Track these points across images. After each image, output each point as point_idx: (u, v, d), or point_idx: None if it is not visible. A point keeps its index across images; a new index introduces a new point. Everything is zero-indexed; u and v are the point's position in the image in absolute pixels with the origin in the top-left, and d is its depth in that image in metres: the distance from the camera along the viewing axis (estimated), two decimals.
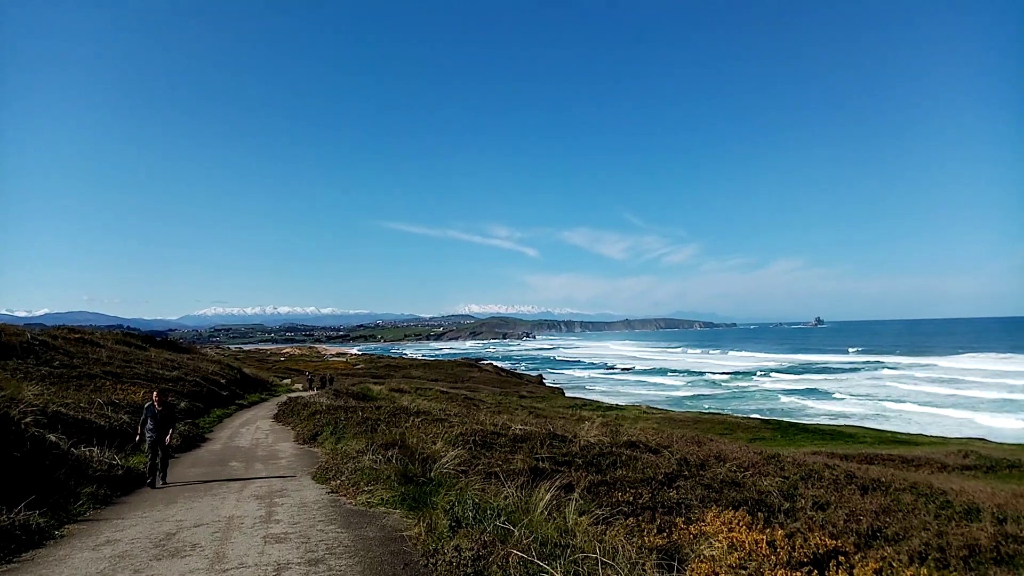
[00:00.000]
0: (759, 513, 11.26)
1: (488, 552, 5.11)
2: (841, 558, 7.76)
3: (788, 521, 11.66)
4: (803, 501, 13.34)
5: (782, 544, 9.31)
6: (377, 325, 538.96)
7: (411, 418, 16.73)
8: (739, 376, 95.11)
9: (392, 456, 9.84)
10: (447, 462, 9.97)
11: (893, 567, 7.08)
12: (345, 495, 8.65)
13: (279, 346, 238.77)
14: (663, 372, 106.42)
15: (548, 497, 7.14)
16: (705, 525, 10.32)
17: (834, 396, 69.67)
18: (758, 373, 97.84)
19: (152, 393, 11.24)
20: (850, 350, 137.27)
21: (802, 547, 8.17)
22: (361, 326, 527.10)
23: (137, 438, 10.89)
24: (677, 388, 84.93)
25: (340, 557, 5.65)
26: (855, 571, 7.44)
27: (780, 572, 7.34)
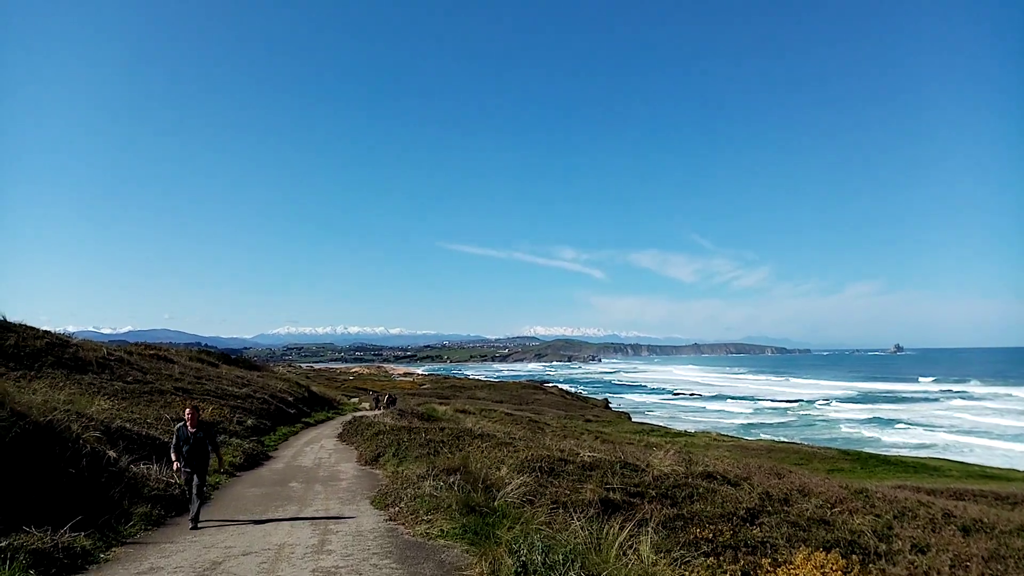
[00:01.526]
0: (853, 556, 10.08)
1: None
2: None
3: (887, 566, 10.40)
4: (899, 543, 11.98)
5: None
6: (444, 346, 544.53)
7: (475, 441, 16.11)
8: (809, 404, 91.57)
9: (454, 482, 9.19)
10: (512, 490, 9.26)
11: None
12: (404, 524, 8.03)
13: (348, 365, 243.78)
14: (731, 399, 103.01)
15: (623, 537, 6.31)
16: (794, 568, 9.22)
17: (908, 426, 66.14)
18: (830, 401, 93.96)
19: (184, 410, 9.26)
20: (920, 379, 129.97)
21: None
22: (428, 346, 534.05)
23: (174, 467, 8.74)
24: (745, 415, 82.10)
25: None
26: None
27: None
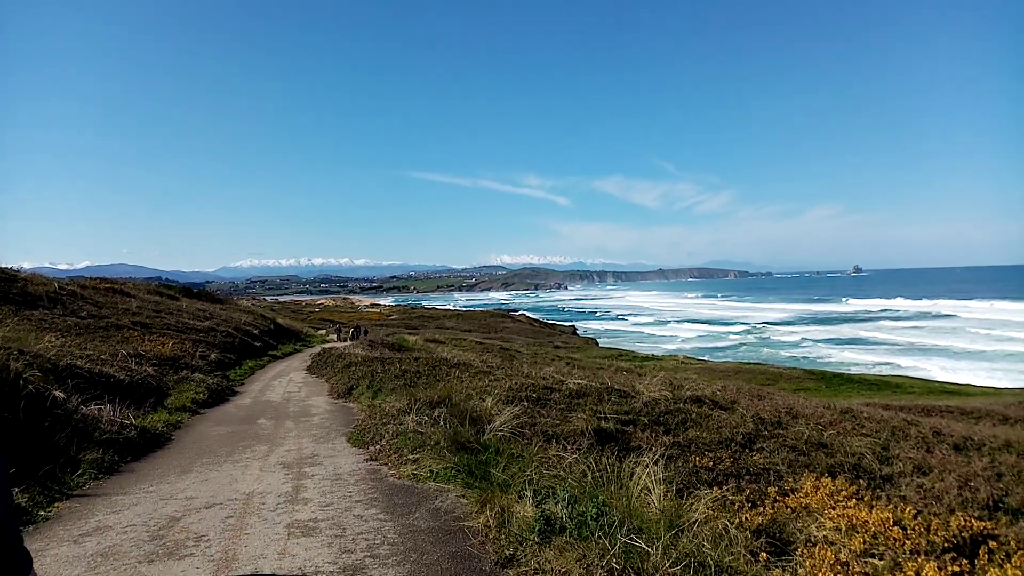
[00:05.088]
0: (860, 480, 9.77)
1: None
2: (992, 544, 6.21)
3: (894, 490, 10.15)
4: (900, 464, 11.79)
5: (910, 524, 7.73)
6: (410, 276, 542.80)
7: (452, 370, 15.43)
8: (766, 326, 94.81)
9: (439, 416, 8.45)
10: (502, 423, 8.57)
11: None
12: (387, 464, 7.26)
13: (314, 297, 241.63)
14: (694, 322, 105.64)
15: (642, 475, 5.64)
16: (803, 497, 8.81)
17: (862, 345, 68.86)
18: (787, 323, 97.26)
19: None
20: (874, 299, 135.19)
21: (939, 529, 6.64)
22: (394, 277, 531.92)
23: None
24: (709, 338, 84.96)
25: (385, 564, 4.24)
26: (1013, 560, 5.89)
27: (922, 563, 5.84)
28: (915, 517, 7.60)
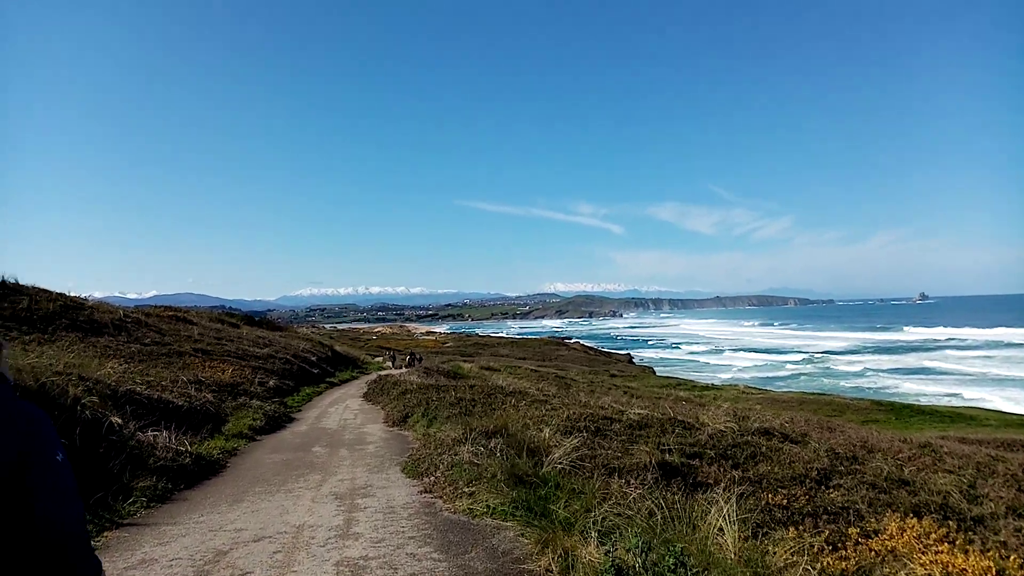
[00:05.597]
0: (949, 522, 8.90)
1: None
2: None
3: (989, 534, 9.21)
4: (991, 505, 10.77)
5: (1015, 574, 6.90)
6: (464, 304, 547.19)
7: (508, 399, 15.04)
8: (830, 355, 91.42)
9: (495, 447, 8.05)
10: (561, 456, 8.12)
11: None
12: (442, 497, 6.90)
13: (371, 325, 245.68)
14: (755, 351, 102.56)
15: (718, 517, 5.12)
16: (888, 539, 8.02)
17: (932, 376, 65.35)
18: (851, 352, 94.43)
19: None
20: (942, 327, 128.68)
21: None
22: (449, 305, 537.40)
23: None
24: (769, 367, 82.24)
25: None
26: None
27: None
28: (1022, 567, 6.76)
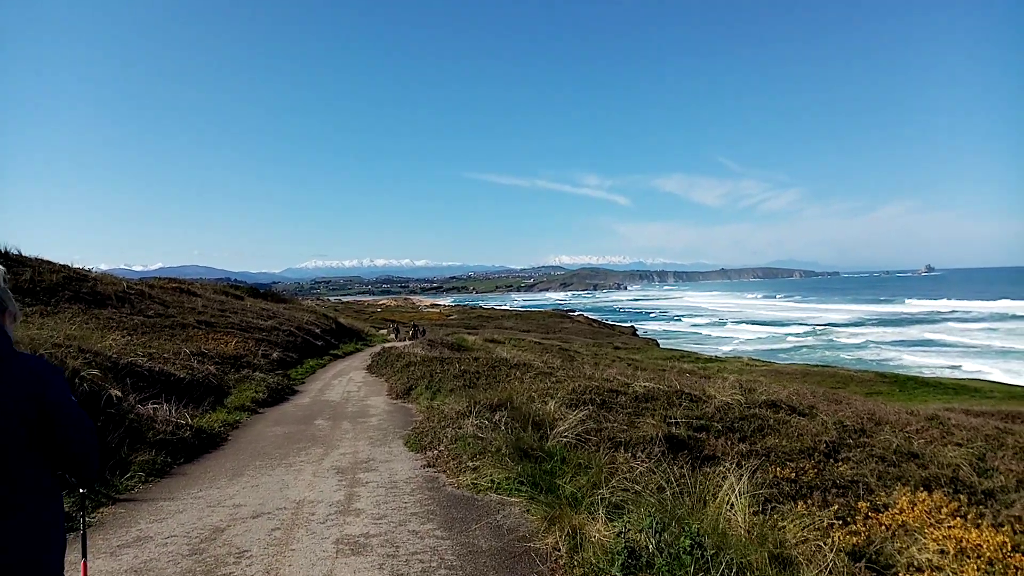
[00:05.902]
0: (960, 495, 8.73)
1: None
2: None
3: (1001, 508, 9.04)
4: (1001, 478, 10.60)
5: None
6: (469, 276, 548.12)
7: (512, 371, 14.88)
8: (833, 327, 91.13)
9: (500, 420, 7.89)
10: (566, 429, 7.96)
11: None
12: (445, 471, 6.75)
13: (376, 297, 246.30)
14: (758, 323, 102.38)
15: (728, 492, 4.95)
16: (899, 513, 7.84)
17: (934, 348, 65.21)
18: (854, 324, 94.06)
19: None
20: (946, 299, 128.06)
21: None
22: (453, 278, 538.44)
23: None
24: (772, 339, 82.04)
25: None
26: None
27: None
28: None
